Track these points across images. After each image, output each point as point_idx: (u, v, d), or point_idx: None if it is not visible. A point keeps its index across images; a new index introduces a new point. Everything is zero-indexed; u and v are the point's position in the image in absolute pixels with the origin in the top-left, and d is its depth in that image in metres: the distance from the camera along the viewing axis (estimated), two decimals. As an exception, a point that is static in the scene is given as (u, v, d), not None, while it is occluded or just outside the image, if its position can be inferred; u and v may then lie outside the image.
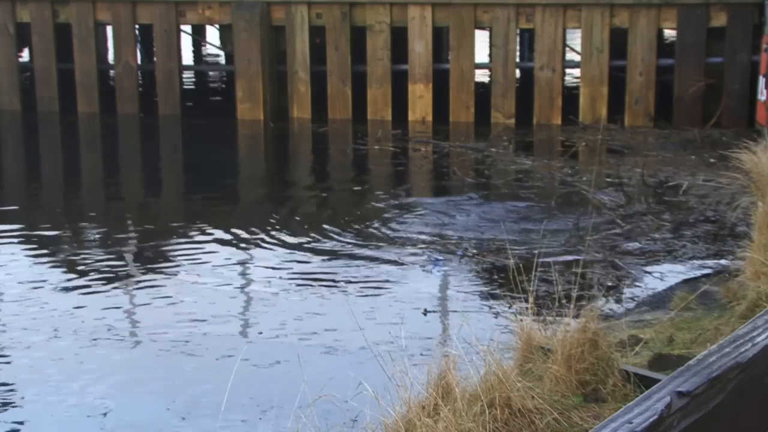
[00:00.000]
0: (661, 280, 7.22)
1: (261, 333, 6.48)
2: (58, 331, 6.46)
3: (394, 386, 3.87)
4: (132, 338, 6.45)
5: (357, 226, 8.67)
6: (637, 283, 7.19)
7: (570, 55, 13.60)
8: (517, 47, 13.89)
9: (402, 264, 7.70)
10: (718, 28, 12.26)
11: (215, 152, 12.08)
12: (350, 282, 7.35)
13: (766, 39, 11.33)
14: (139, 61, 13.85)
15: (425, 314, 6.60)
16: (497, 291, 6.92)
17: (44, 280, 7.47)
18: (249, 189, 10.57)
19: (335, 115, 13.09)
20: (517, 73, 13.41)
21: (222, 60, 17.30)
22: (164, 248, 8.22)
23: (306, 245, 8.20)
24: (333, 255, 7.93)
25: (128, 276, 7.57)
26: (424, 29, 12.80)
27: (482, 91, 13.23)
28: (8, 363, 6.06)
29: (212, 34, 17.72)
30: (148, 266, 7.76)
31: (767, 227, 6.03)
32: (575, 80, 13.35)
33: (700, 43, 12.27)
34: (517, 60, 13.30)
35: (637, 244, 7.98)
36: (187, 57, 16.68)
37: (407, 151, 11.88)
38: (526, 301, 4.69)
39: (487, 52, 13.85)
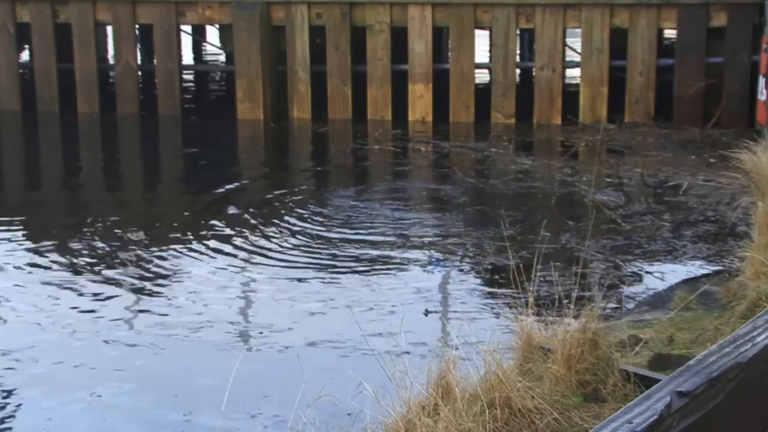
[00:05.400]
0: (661, 280, 7.23)
1: (261, 333, 6.48)
2: (54, 332, 6.46)
3: (394, 386, 3.87)
4: (130, 338, 6.44)
5: (357, 226, 8.67)
6: (637, 283, 7.19)
7: (570, 55, 13.60)
8: (517, 47, 13.89)
9: (402, 263, 7.70)
10: (718, 28, 12.26)
11: (215, 152, 12.07)
12: (350, 282, 7.35)
13: (766, 39, 11.33)
14: (139, 61, 13.85)
15: (426, 314, 6.60)
16: (498, 291, 6.91)
17: (40, 278, 7.47)
18: (248, 189, 10.56)
19: (335, 115, 13.10)
20: (517, 73, 13.41)
21: (222, 60, 17.31)
22: (161, 248, 8.21)
23: (305, 245, 8.20)
24: (333, 255, 7.93)
25: (125, 275, 7.56)
26: (424, 29, 12.81)
27: (482, 91, 13.23)
28: (12, 360, 6.07)
29: (212, 34, 17.73)
30: (145, 266, 7.75)
31: (767, 227, 6.04)
32: (575, 80, 13.35)
33: (700, 43, 12.28)
34: (517, 60, 13.30)
35: (637, 244, 7.98)
36: (187, 57, 16.67)
37: (407, 151, 11.88)
38: (527, 301, 4.68)
39: (487, 52, 13.85)
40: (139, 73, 13.90)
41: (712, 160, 10.58)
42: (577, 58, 12.90)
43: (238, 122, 13.14)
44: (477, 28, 12.91)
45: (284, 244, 8.23)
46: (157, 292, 7.21)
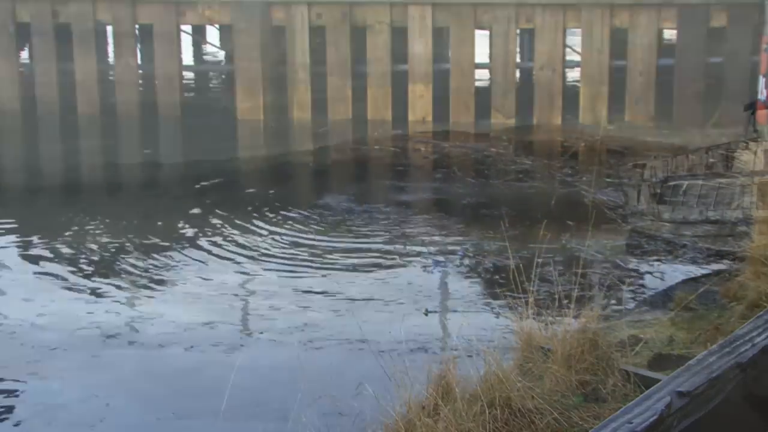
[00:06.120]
0: (661, 280, 7.23)
1: (261, 333, 6.48)
2: (53, 331, 6.46)
3: (394, 386, 3.87)
4: (131, 337, 6.44)
5: (356, 226, 8.67)
6: (637, 283, 7.19)
7: (570, 55, 13.60)
8: (518, 47, 13.89)
9: (403, 263, 7.70)
10: (718, 28, 12.26)
11: (214, 153, 12.06)
12: (350, 282, 7.34)
13: (766, 39, 11.33)
14: (139, 61, 13.85)
15: (426, 314, 6.60)
16: (498, 291, 6.91)
17: (39, 277, 7.48)
18: (247, 189, 10.56)
19: (335, 115, 13.09)
20: (517, 73, 13.41)
21: (222, 60, 17.30)
22: (160, 248, 8.21)
23: (306, 245, 8.19)
24: (332, 254, 7.93)
25: (125, 276, 7.56)
26: (424, 29, 12.80)
27: (482, 91, 13.23)
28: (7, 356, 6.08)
29: (212, 34, 17.71)
30: (144, 267, 7.75)
31: (767, 227, 6.04)
32: (575, 80, 13.34)
33: (700, 43, 12.28)
34: (517, 60, 13.30)
35: (637, 244, 7.97)
36: (187, 57, 16.66)
37: (407, 151, 11.87)
38: (527, 301, 4.68)
39: (487, 52, 13.85)
40: (139, 72, 13.89)
41: (712, 160, 10.56)
42: (577, 58, 12.90)
43: (238, 122, 13.13)
44: (477, 28, 12.91)
45: (283, 244, 8.23)
46: (154, 292, 7.21)
